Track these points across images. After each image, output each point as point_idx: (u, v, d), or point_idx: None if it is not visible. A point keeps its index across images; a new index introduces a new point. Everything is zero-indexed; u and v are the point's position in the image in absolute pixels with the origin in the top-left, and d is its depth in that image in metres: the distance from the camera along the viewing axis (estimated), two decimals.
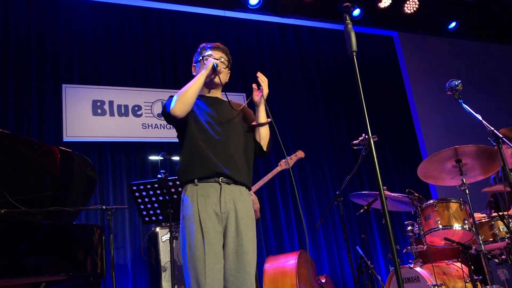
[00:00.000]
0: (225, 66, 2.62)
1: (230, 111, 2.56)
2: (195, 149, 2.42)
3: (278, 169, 4.09)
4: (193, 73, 2.69)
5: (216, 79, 2.53)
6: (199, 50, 2.69)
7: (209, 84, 2.58)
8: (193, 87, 2.43)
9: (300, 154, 4.13)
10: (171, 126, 2.67)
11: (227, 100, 2.58)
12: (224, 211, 2.35)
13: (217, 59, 2.58)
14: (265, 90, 2.52)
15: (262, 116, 2.54)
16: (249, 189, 2.50)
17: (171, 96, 2.52)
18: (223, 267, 2.30)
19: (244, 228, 2.35)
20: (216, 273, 2.26)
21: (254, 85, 2.55)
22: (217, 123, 2.49)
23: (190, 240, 2.30)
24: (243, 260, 2.31)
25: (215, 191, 2.36)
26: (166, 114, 2.47)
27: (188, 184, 2.41)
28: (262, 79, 2.51)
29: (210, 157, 2.39)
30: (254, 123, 2.57)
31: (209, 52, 2.62)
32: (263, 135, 2.56)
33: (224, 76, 2.60)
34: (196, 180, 2.38)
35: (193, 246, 2.28)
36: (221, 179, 2.38)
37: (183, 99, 2.39)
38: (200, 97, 2.60)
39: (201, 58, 2.63)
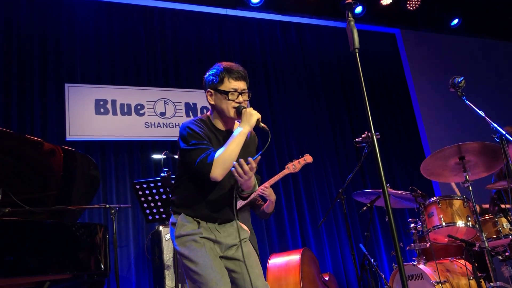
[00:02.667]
0: (246, 99, 2.40)
1: (243, 147, 2.36)
2: (198, 190, 2.35)
3: (285, 172, 4.03)
4: (209, 101, 2.41)
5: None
6: (218, 73, 2.37)
7: (228, 119, 2.40)
8: (235, 152, 2.22)
9: (308, 158, 4.04)
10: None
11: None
12: (222, 231, 2.39)
13: (239, 93, 2.35)
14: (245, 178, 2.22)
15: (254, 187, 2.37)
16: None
17: (195, 135, 2.28)
18: (227, 272, 2.32)
19: (242, 244, 2.39)
20: (226, 277, 2.28)
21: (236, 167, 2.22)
22: None
23: (193, 252, 2.28)
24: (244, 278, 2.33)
25: (212, 224, 2.40)
26: (203, 171, 2.21)
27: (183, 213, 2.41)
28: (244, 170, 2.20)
29: (213, 200, 2.36)
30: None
31: (233, 85, 2.34)
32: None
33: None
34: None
35: (197, 257, 2.26)
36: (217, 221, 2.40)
37: (226, 166, 2.20)
38: (216, 131, 2.41)
39: (223, 90, 2.34)
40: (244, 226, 2.55)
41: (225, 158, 2.20)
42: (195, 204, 2.36)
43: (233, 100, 2.34)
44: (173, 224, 2.38)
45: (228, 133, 2.38)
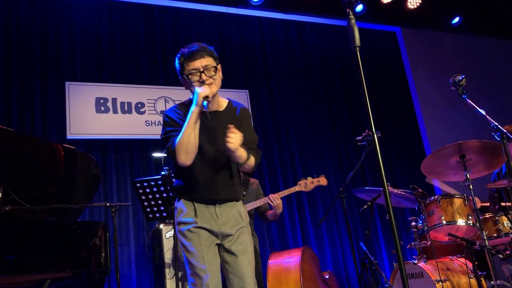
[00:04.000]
0: (213, 74, 2.36)
1: (225, 123, 2.38)
2: (193, 171, 2.38)
3: (296, 188, 4.02)
4: (185, 88, 2.46)
5: (211, 98, 2.34)
6: (178, 60, 2.40)
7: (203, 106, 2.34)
8: (191, 133, 2.26)
9: (322, 181, 3.98)
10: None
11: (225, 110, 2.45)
12: (220, 220, 2.40)
13: (201, 71, 2.33)
14: (234, 144, 2.26)
15: (239, 158, 2.35)
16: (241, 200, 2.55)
17: (169, 121, 2.38)
18: (219, 263, 2.37)
19: (240, 235, 2.41)
20: (216, 268, 2.33)
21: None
22: (216, 140, 2.39)
23: (188, 242, 2.35)
24: (238, 273, 2.37)
25: (211, 207, 2.41)
26: (172, 158, 2.31)
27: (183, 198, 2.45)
28: (232, 140, 2.26)
29: (207, 181, 2.39)
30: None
31: (191, 66, 2.34)
32: (247, 168, 2.45)
33: (218, 81, 2.39)
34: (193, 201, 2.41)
35: (191, 247, 2.33)
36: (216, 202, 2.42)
37: (189, 149, 2.26)
38: (200, 114, 2.37)
39: (185, 75, 2.37)
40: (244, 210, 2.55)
41: (183, 143, 2.25)
42: (191, 187, 2.40)
43: (197, 81, 2.34)
44: (175, 208, 2.45)
45: (213, 113, 2.39)
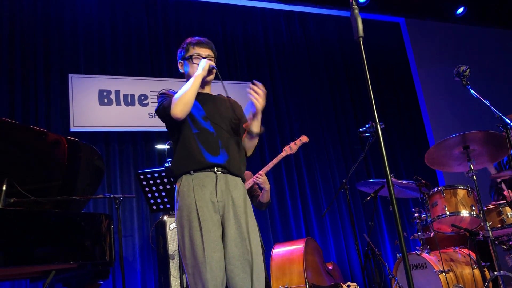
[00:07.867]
0: (213, 63, 2.62)
1: (221, 106, 2.59)
2: (190, 143, 2.44)
3: (283, 154, 4.09)
4: (180, 70, 2.69)
5: (210, 77, 2.57)
6: (184, 46, 2.66)
7: (201, 82, 2.54)
8: (191, 89, 2.42)
9: (304, 139, 4.13)
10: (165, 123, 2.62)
11: (225, 95, 2.63)
12: (220, 200, 2.38)
13: (205, 57, 2.59)
14: (262, 102, 2.43)
15: (256, 126, 2.49)
16: (244, 181, 2.55)
17: (163, 94, 2.54)
18: (223, 256, 2.31)
19: (242, 216, 2.38)
20: (216, 262, 2.27)
21: (251, 92, 2.44)
22: (210, 118, 2.50)
23: (188, 230, 2.32)
24: (243, 247, 2.32)
25: (211, 180, 2.39)
26: (165, 114, 2.44)
27: (183, 175, 2.43)
28: (259, 92, 2.42)
29: (206, 150, 2.42)
30: (245, 125, 2.54)
31: (196, 50, 2.60)
32: (252, 143, 2.58)
33: (214, 72, 2.61)
34: (192, 171, 2.40)
35: (191, 236, 2.30)
36: (216, 169, 2.41)
37: (184, 101, 2.39)
38: None
39: (189, 56, 2.61)
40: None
41: (181, 96, 2.39)
42: (189, 156, 2.43)
43: (198, 64, 2.56)
44: (177, 192, 2.45)
45: (205, 95, 2.59)
